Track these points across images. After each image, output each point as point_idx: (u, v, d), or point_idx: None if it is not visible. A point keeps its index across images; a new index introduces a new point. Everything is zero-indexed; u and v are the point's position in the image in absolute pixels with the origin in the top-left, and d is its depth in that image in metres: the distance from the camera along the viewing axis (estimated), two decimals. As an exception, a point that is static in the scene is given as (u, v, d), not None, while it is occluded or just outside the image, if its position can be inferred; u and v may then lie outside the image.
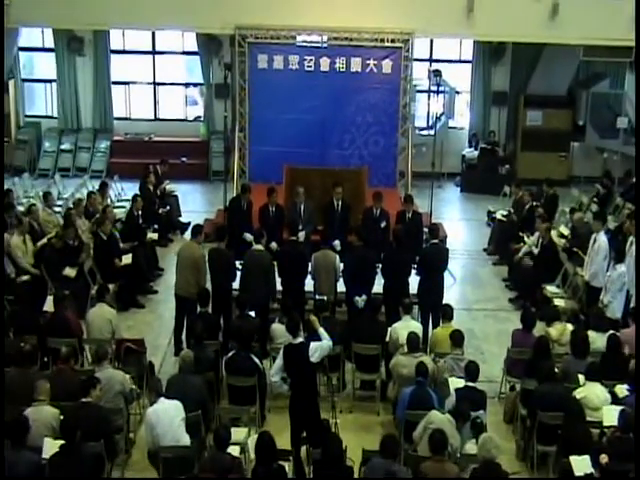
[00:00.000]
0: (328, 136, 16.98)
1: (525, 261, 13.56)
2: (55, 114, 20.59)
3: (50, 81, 20.60)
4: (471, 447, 8.17)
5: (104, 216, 13.25)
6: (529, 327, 10.21)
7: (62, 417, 8.06)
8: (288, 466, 7.95)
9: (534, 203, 15.02)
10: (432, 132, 17.49)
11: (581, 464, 7.72)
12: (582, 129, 20.00)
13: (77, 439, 7.53)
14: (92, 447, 7.84)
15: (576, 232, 14.01)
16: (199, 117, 21.04)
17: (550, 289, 12.77)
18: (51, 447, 7.72)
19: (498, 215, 16.07)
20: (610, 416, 8.36)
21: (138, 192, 15.12)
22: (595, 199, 16.85)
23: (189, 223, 15.57)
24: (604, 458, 7.48)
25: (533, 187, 16.29)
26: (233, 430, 8.47)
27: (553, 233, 13.85)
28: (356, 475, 7.75)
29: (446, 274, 12.03)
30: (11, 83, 19.92)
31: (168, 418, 8.12)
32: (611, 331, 10.09)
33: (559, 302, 12.11)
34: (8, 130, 19.67)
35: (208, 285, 11.22)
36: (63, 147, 20.20)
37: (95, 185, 16.54)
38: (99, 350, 9.15)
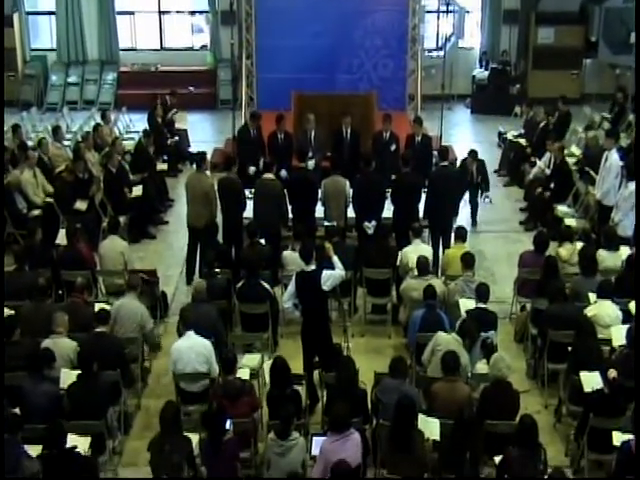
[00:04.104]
0: (336, 61, 16.78)
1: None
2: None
3: (54, 13, 20.29)
4: (482, 367, 8.24)
5: (113, 149, 13.24)
6: (542, 250, 10.11)
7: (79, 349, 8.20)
8: (301, 390, 8.06)
9: (549, 118, 14.86)
10: (442, 53, 17.24)
11: (591, 380, 7.78)
12: (594, 45, 19.60)
13: (94, 370, 7.68)
14: (108, 376, 7.96)
15: (588, 151, 13.88)
16: (205, 45, 20.82)
17: (561, 209, 12.71)
18: (69, 378, 7.84)
19: (509, 136, 15.89)
20: (619, 335, 8.39)
21: (147, 125, 15.06)
22: (607, 117, 16.62)
23: (197, 153, 15.52)
24: (612, 373, 7.55)
25: (545, 105, 15.95)
26: (246, 356, 8.63)
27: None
28: (369, 397, 7.86)
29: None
30: (15, 17, 19.64)
31: (187, 357, 8.13)
32: (624, 248, 10.12)
33: (570, 222, 12.06)
34: (15, 64, 19.54)
35: (219, 215, 11.26)
36: (70, 80, 20.07)
37: (104, 118, 16.49)
38: (131, 280, 9.29)
